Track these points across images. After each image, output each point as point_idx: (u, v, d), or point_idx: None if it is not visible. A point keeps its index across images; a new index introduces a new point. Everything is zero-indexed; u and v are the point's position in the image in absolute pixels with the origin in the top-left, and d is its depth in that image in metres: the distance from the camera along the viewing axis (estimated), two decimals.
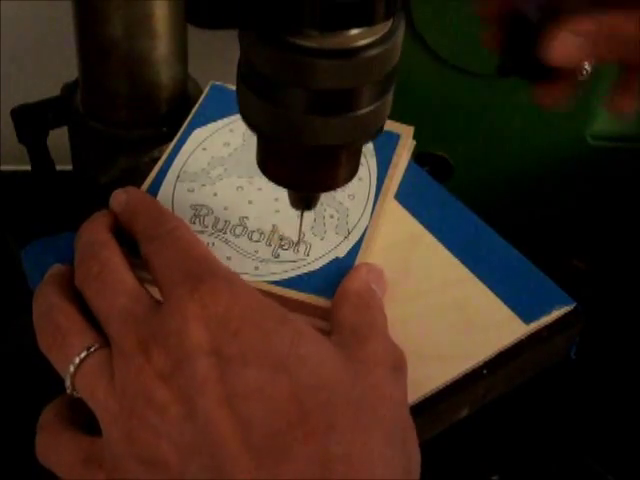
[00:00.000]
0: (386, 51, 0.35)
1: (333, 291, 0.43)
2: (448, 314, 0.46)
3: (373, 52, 0.34)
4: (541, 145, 0.82)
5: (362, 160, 0.48)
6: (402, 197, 0.52)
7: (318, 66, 0.34)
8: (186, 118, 0.52)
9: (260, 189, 0.48)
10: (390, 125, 0.51)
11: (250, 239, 0.46)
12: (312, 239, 0.46)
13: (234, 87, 0.45)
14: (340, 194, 0.48)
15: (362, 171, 0.49)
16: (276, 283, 0.44)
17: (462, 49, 0.75)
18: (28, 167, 0.64)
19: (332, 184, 0.41)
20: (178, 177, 0.48)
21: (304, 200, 0.43)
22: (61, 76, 0.61)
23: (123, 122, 0.57)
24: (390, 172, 0.50)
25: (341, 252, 0.45)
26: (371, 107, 0.36)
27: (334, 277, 0.43)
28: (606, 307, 0.74)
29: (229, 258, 0.45)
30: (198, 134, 0.51)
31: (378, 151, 0.51)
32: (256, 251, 0.45)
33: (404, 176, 0.52)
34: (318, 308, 0.43)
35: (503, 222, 0.51)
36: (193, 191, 0.48)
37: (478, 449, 0.65)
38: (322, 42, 0.33)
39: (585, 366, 0.66)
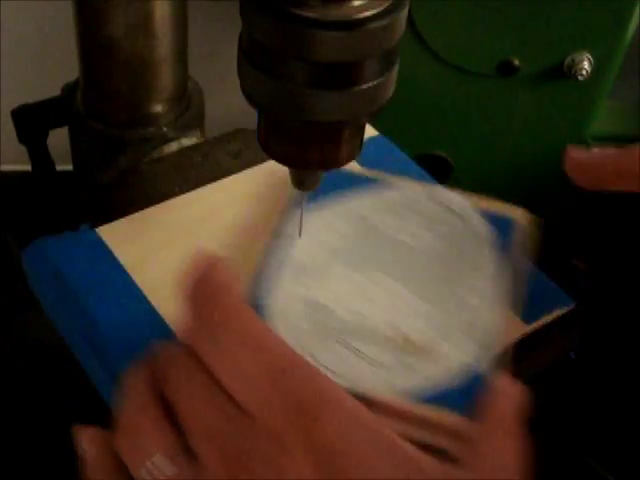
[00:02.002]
0: (389, 24, 0.34)
1: (467, 407, 0.37)
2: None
3: (376, 24, 0.34)
4: (541, 145, 0.82)
5: (483, 250, 0.46)
6: None
7: (320, 38, 0.33)
8: (186, 119, 0.52)
9: (378, 284, 0.44)
10: (504, 209, 0.48)
11: (373, 344, 0.41)
12: (441, 344, 0.41)
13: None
14: (468, 292, 0.43)
15: (487, 266, 0.45)
16: (404, 396, 0.39)
17: (462, 49, 0.75)
18: (28, 167, 0.64)
19: (334, 162, 0.40)
20: (288, 268, 0.44)
21: (307, 179, 0.42)
22: (61, 76, 0.61)
23: (123, 122, 0.57)
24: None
25: (475, 360, 0.40)
26: (374, 82, 0.36)
27: (469, 390, 0.38)
28: (606, 307, 0.74)
29: (350, 367, 0.39)
30: (306, 215, 0.46)
31: (496, 239, 0.46)
32: (380, 358, 0.40)
33: (405, 176, 0.52)
34: (447, 426, 0.37)
35: None
36: (305, 285, 0.43)
37: None
38: (324, 13, 0.33)
39: (585, 366, 0.66)
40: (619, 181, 0.42)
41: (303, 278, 0.44)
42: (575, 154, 0.43)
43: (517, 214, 0.47)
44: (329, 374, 0.37)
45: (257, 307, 0.41)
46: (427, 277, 0.44)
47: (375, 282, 0.44)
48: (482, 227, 0.47)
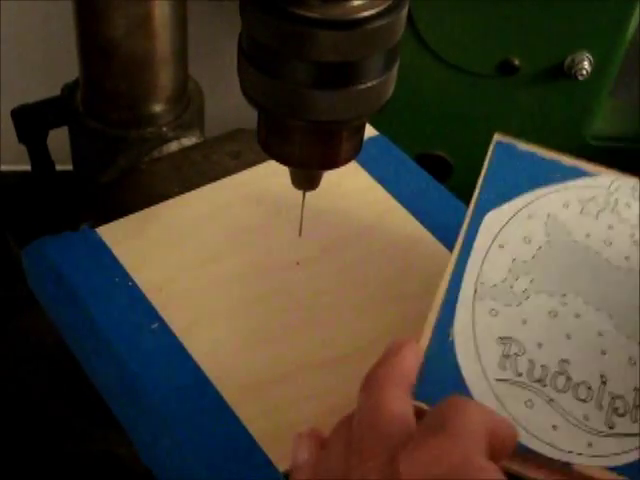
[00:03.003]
0: (389, 24, 0.34)
1: None
2: None
3: (376, 24, 0.34)
4: (541, 145, 0.82)
5: None
6: (403, 197, 0.52)
7: (320, 37, 0.33)
8: (186, 119, 0.52)
9: (578, 315, 0.36)
10: None
11: (576, 397, 0.34)
12: None
13: (523, 145, 0.39)
14: None
15: None
16: (616, 470, 0.33)
17: (462, 49, 0.75)
18: (28, 167, 0.64)
19: (334, 162, 0.40)
20: (475, 292, 0.37)
21: (307, 179, 0.42)
22: (61, 76, 0.61)
23: (123, 122, 0.57)
24: None
25: None
26: (374, 82, 0.36)
27: None
28: None
29: (555, 427, 0.33)
30: (490, 221, 0.40)
31: None
32: (586, 417, 0.34)
33: (406, 178, 0.53)
34: None
35: None
36: (496, 315, 0.37)
37: None
38: (324, 13, 0.33)
39: None
40: None
41: (492, 303, 0.37)
42: None
43: None
44: (520, 429, 0.33)
45: (445, 343, 0.36)
46: (633, 307, 0.37)
47: (574, 311, 0.37)
48: None
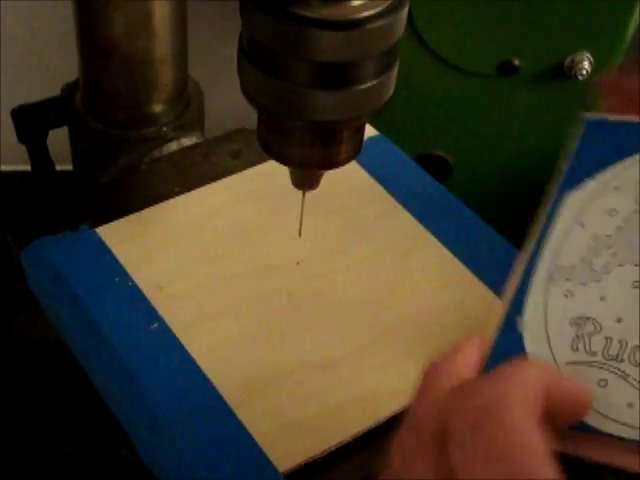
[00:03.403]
0: (389, 24, 0.34)
1: None
2: (448, 314, 0.46)
3: (376, 24, 0.34)
4: (541, 145, 0.82)
5: None
6: (403, 197, 0.52)
7: (320, 37, 0.33)
8: (186, 119, 0.52)
9: None
10: None
11: None
12: None
13: (617, 119, 0.35)
14: None
15: None
16: None
17: (462, 49, 0.75)
18: (28, 167, 0.64)
19: (334, 162, 0.40)
20: (551, 275, 0.35)
21: (307, 179, 0.42)
22: (61, 76, 0.61)
23: (123, 122, 0.57)
24: None
25: None
26: (374, 82, 0.36)
27: None
28: None
29: (630, 405, 0.31)
30: (573, 200, 0.36)
31: None
32: None
33: (406, 178, 0.53)
34: None
35: (502, 221, 0.51)
36: (571, 296, 0.34)
37: None
38: (324, 13, 0.33)
39: None
40: None
41: (567, 284, 0.34)
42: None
43: None
44: (593, 418, 0.31)
45: (513, 334, 0.34)
46: None
47: None
48: None
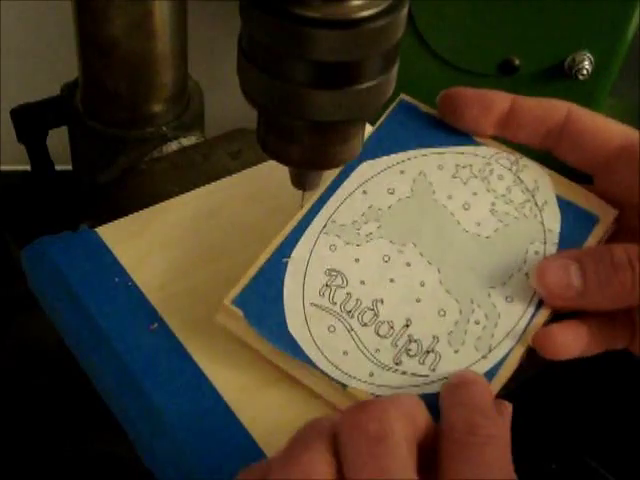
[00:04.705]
0: (389, 23, 0.34)
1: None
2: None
3: (376, 24, 0.34)
4: None
5: (540, 247, 0.40)
6: None
7: (320, 37, 0.33)
8: (186, 119, 0.52)
9: (409, 264, 0.39)
10: (591, 202, 0.41)
11: (377, 333, 0.38)
12: (444, 349, 0.37)
13: (427, 110, 0.42)
14: (497, 292, 0.39)
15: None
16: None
17: (462, 49, 0.75)
18: (28, 167, 0.64)
19: (334, 161, 0.40)
20: (325, 227, 0.40)
21: (307, 179, 0.42)
22: (61, 76, 0.61)
23: (123, 122, 0.57)
24: None
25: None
26: (374, 82, 0.36)
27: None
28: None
29: (345, 353, 0.37)
30: (364, 169, 0.42)
31: (565, 236, 0.40)
32: (377, 350, 0.37)
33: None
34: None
35: None
36: (334, 250, 0.40)
37: None
38: (324, 12, 0.33)
39: (585, 366, 0.66)
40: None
41: (334, 239, 0.40)
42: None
43: (604, 213, 0.41)
44: (314, 349, 0.38)
45: (279, 263, 0.40)
46: (464, 268, 0.40)
47: (406, 260, 0.39)
48: (553, 219, 0.41)
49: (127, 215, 0.50)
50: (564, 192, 0.42)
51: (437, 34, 0.74)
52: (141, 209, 0.50)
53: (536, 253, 0.39)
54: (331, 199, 0.41)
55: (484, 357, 0.37)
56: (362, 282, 0.39)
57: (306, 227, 0.40)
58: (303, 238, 0.40)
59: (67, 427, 0.58)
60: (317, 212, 0.41)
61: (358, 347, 0.37)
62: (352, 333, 0.38)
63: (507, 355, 0.37)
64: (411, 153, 0.42)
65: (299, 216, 0.41)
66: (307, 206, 0.41)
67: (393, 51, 0.36)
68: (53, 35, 0.83)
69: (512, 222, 0.41)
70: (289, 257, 0.40)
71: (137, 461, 0.43)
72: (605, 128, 0.42)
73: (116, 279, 0.46)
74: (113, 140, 0.58)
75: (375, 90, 0.36)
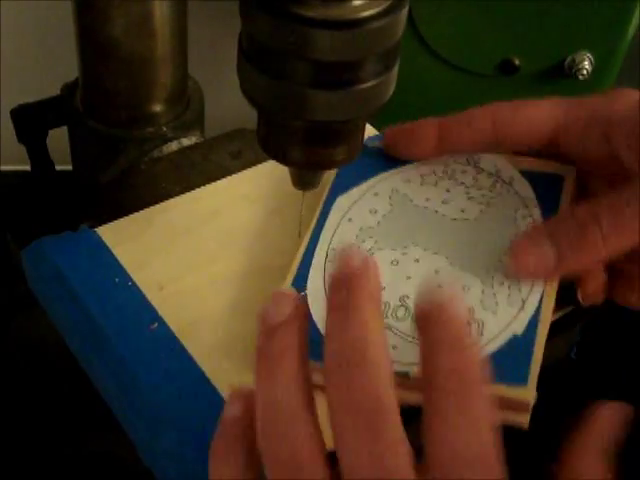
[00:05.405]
0: (389, 24, 0.34)
1: (516, 376, 0.37)
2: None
3: (376, 24, 0.34)
4: None
5: (525, 212, 0.44)
6: None
7: (320, 37, 0.33)
8: (186, 119, 0.52)
9: (417, 260, 0.42)
10: (550, 167, 0.46)
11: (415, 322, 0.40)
12: (483, 314, 0.39)
13: (375, 145, 0.45)
14: (504, 258, 0.41)
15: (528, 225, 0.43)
16: None
17: (462, 49, 0.75)
18: (28, 167, 0.64)
19: (334, 162, 0.40)
20: (327, 256, 0.43)
21: (307, 179, 0.42)
22: (61, 76, 0.61)
23: (123, 122, 0.57)
24: None
25: (519, 328, 0.39)
26: (374, 82, 0.36)
27: (514, 359, 0.38)
28: (606, 307, 0.74)
29: (395, 347, 0.39)
30: (340, 203, 0.46)
31: (541, 199, 0.44)
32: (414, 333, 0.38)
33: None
34: (503, 399, 0.37)
35: None
36: None
37: None
38: (324, 12, 0.33)
39: (585, 366, 0.66)
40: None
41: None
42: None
43: (566, 171, 0.45)
44: None
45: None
46: (467, 245, 0.43)
47: (413, 257, 0.42)
48: (525, 188, 0.45)
49: (127, 215, 0.50)
50: (523, 166, 0.46)
51: (437, 34, 0.74)
52: (141, 209, 0.50)
53: (524, 218, 0.43)
54: (322, 235, 0.44)
55: (521, 309, 0.39)
56: (382, 288, 0.39)
57: (311, 260, 0.43)
58: (312, 270, 0.43)
59: (67, 427, 0.58)
60: (315, 244, 0.44)
61: (404, 339, 0.39)
62: (393, 330, 0.39)
63: (541, 300, 0.40)
64: (377, 178, 0.47)
65: (301, 250, 0.44)
66: (305, 240, 0.44)
67: (393, 51, 0.36)
68: (53, 35, 0.83)
69: (491, 201, 0.45)
70: (305, 290, 0.42)
71: (137, 461, 0.43)
72: (531, 118, 0.44)
73: (116, 279, 0.46)
74: (113, 140, 0.58)
75: (375, 90, 0.36)
